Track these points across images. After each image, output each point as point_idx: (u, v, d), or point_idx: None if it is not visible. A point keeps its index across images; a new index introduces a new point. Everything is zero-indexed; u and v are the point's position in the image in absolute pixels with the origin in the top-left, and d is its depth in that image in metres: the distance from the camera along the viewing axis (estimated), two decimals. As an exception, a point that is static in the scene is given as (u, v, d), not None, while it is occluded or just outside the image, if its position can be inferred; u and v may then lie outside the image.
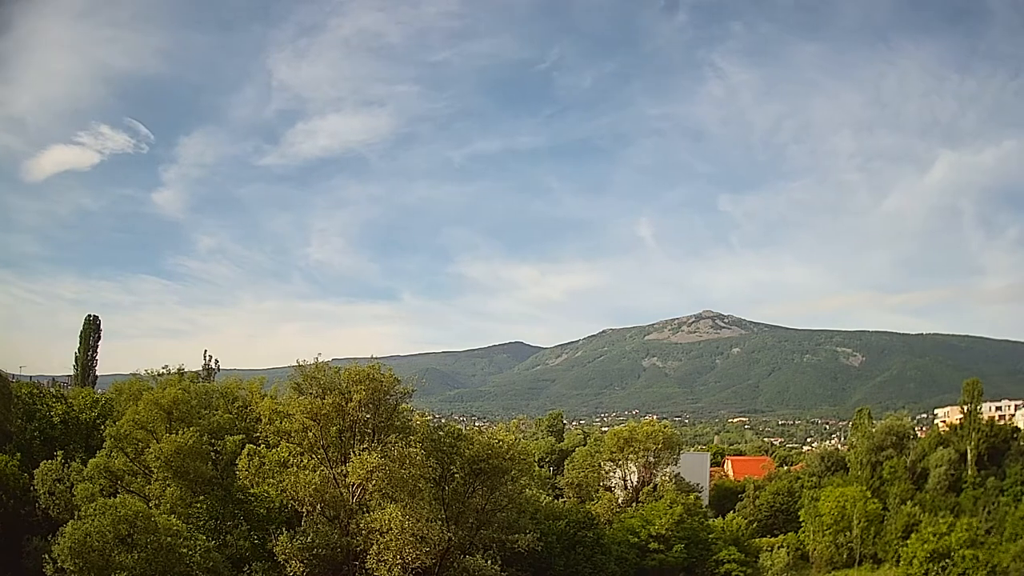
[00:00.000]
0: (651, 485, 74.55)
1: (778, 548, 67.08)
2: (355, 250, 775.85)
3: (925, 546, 57.75)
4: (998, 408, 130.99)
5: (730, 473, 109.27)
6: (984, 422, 78.85)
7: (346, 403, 39.19)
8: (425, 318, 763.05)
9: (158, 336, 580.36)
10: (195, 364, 51.34)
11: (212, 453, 39.37)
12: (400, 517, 35.81)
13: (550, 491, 74.34)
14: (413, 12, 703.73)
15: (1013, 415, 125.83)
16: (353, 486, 38.54)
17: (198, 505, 38.39)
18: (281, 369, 61.18)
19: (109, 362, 79.05)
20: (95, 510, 31.96)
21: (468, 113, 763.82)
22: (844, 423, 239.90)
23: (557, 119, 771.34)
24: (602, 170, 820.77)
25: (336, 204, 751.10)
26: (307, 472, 37.70)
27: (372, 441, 39.40)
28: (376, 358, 42.00)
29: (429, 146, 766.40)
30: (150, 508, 34.66)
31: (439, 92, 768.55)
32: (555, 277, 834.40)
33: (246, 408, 47.34)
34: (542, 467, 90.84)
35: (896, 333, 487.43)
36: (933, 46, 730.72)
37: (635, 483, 77.17)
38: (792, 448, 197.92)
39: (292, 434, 39.58)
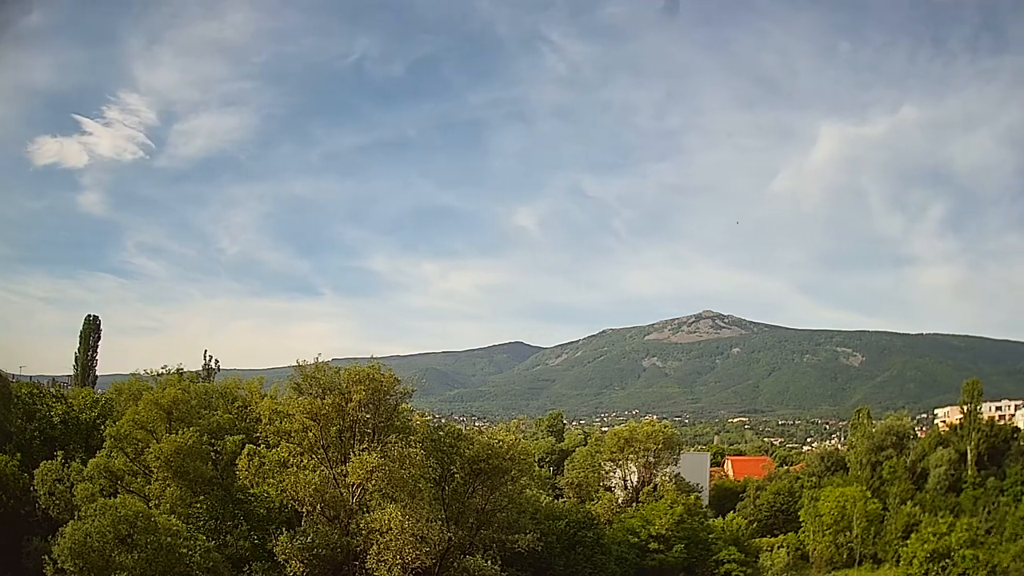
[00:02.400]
0: (651, 485, 74.53)
1: (778, 548, 67.07)
2: (276, 247, 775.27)
3: (925, 546, 57.76)
4: (998, 408, 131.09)
5: (730, 473, 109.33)
6: (984, 422, 78.89)
7: (346, 403, 39.15)
8: (361, 315, 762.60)
9: (132, 334, 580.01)
10: (184, 364, 51.13)
11: (212, 453, 39.36)
12: (400, 517, 35.81)
13: (550, 491, 74.30)
14: (242, 16, 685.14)
15: (1013, 415, 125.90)
16: (353, 486, 38.53)
17: (198, 505, 38.38)
18: (281, 369, 61.13)
19: (103, 362, 79.34)
20: (95, 510, 31.94)
21: (318, 110, 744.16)
22: (844, 423, 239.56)
23: (403, 111, 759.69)
24: (464, 160, 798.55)
25: (230, 203, 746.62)
26: (307, 472, 37.69)
27: (372, 441, 39.35)
28: (376, 358, 42.09)
29: (290, 144, 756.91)
30: (150, 508, 34.65)
31: (282, 90, 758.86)
32: (457, 273, 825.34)
33: (246, 408, 47.31)
34: (542, 467, 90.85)
35: (896, 333, 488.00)
36: (815, 11, 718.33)
37: (635, 483, 77.15)
38: (792, 448, 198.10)
39: (292, 434, 39.54)
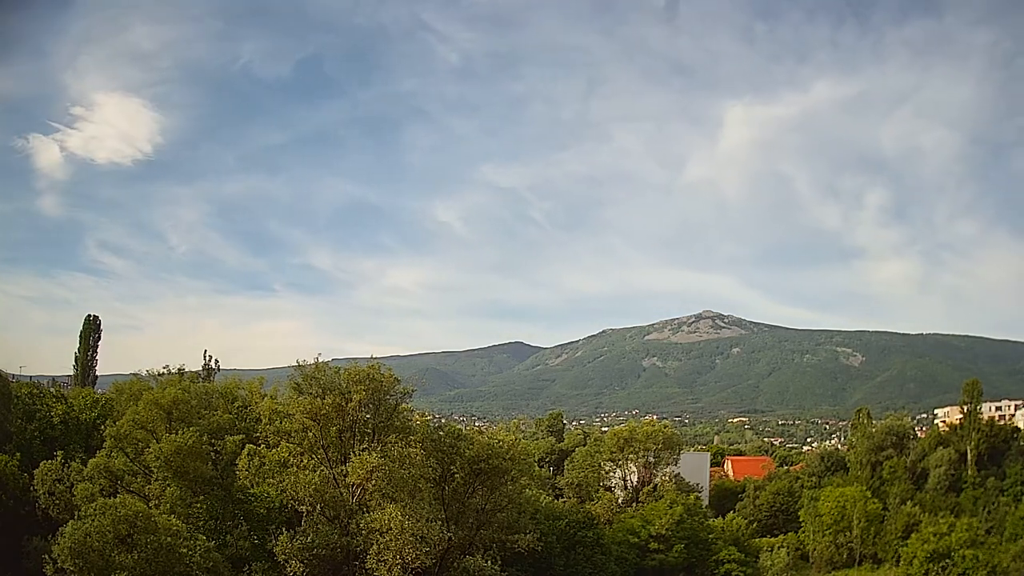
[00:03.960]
0: (651, 485, 74.55)
1: (778, 548, 67.05)
2: (229, 245, 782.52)
3: (925, 546, 57.75)
4: (998, 408, 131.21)
5: (730, 473, 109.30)
6: (984, 422, 79.02)
7: (346, 403, 39.15)
8: (324, 313, 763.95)
9: (113, 332, 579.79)
10: (170, 362, 51.45)
11: (212, 453, 39.31)
12: (400, 517, 35.76)
13: (550, 491, 74.33)
14: (147, 28, 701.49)
15: (1013, 415, 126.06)
16: (353, 486, 38.52)
17: (198, 505, 38.33)
18: (281, 369, 61.17)
19: (102, 361, 79.53)
20: (95, 510, 31.90)
21: (230, 111, 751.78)
22: (844, 423, 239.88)
23: (308, 110, 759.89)
24: (379, 156, 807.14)
25: (174, 202, 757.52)
26: (307, 472, 37.67)
27: (372, 441, 39.38)
28: (376, 358, 42.11)
29: (212, 144, 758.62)
30: (150, 508, 34.62)
31: (193, 93, 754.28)
32: (396, 270, 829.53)
33: (246, 408, 47.33)
34: (542, 467, 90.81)
35: (896, 333, 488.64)
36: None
37: (635, 483, 77.18)
38: (792, 448, 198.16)
39: (292, 434, 39.55)
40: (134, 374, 48.73)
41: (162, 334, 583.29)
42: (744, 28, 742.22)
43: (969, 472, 74.85)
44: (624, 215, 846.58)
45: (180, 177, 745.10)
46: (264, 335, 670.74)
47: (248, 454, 37.95)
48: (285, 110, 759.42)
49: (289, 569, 35.82)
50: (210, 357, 67.57)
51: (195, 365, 63.53)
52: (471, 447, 43.85)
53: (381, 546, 35.94)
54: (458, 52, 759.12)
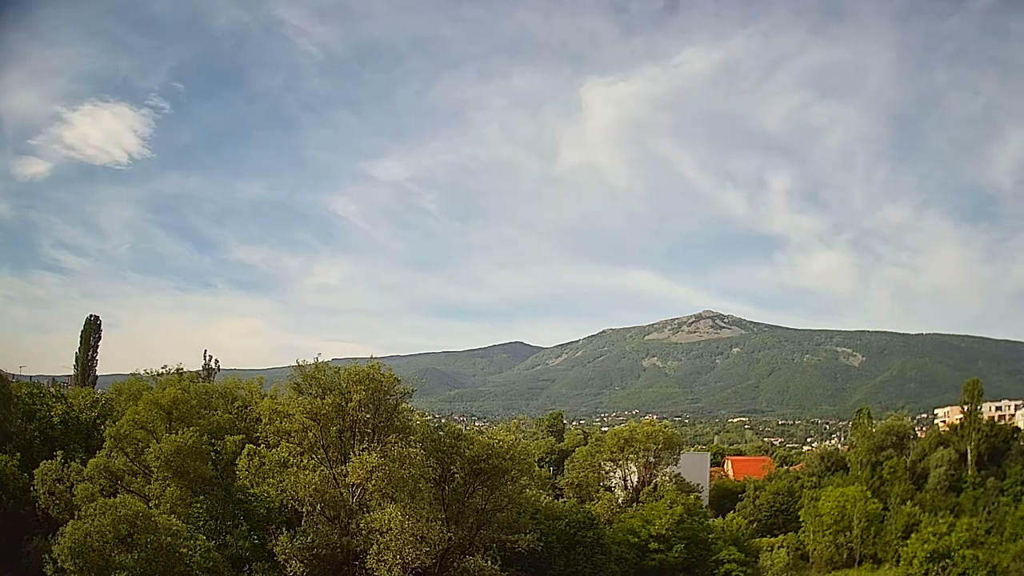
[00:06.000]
0: (651, 485, 74.50)
1: (778, 548, 67.00)
2: (174, 242, 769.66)
3: (925, 546, 57.66)
4: (998, 408, 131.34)
5: (730, 473, 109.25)
6: (984, 422, 79.00)
7: (346, 403, 39.19)
8: (279, 311, 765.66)
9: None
10: (153, 361, 51.45)
11: (212, 453, 39.34)
12: (400, 517, 35.80)
13: (550, 491, 74.27)
14: (62, 48, 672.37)
15: (1013, 415, 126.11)
16: (353, 486, 38.54)
17: (198, 505, 38.34)
18: (280, 369, 61.20)
19: (103, 361, 79.13)
20: (95, 510, 31.94)
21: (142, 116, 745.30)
22: (844, 423, 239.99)
23: (192, 110, 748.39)
24: (271, 153, 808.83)
25: (112, 201, 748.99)
26: (307, 472, 37.71)
27: (372, 441, 39.40)
28: (376, 358, 42.17)
29: (132, 148, 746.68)
30: (150, 508, 34.64)
31: (106, 100, 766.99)
32: (320, 267, 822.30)
33: (246, 408, 47.32)
34: (542, 467, 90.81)
35: (896, 333, 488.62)
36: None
37: (635, 483, 77.14)
38: (792, 448, 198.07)
39: (292, 434, 39.58)
40: (133, 374, 48.80)
41: (135, 332, 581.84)
42: (615, 5, 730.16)
43: (969, 472, 74.83)
44: (511, 205, 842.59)
45: (112, 177, 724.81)
46: (227, 333, 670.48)
47: (248, 454, 38.00)
48: (185, 111, 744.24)
49: (289, 569, 35.85)
50: (210, 357, 67.74)
51: (176, 363, 63.32)
52: (471, 447, 43.88)
53: (381, 546, 35.98)
54: (318, 46, 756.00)
